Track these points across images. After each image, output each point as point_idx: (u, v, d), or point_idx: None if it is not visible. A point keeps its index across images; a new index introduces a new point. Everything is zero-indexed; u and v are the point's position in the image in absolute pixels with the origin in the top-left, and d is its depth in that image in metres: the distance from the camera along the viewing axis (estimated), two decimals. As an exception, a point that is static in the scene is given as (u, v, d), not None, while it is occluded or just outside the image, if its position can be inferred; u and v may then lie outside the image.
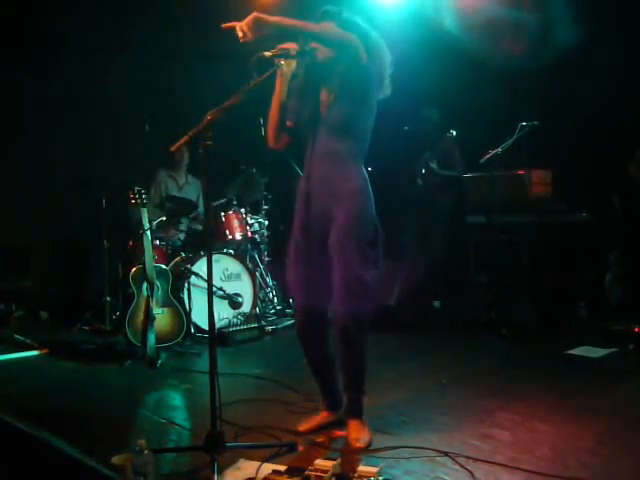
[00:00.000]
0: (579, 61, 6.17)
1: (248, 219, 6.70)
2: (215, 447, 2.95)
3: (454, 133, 6.73)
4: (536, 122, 5.92)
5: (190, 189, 6.83)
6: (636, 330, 5.29)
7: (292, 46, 3.25)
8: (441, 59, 6.81)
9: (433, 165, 6.75)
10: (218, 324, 5.84)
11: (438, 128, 6.98)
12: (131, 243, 6.21)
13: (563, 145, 6.37)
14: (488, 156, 5.92)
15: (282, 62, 3.30)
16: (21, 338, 5.69)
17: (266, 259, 7.20)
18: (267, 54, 3.21)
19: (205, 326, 5.61)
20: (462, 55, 6.70)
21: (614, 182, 5.89)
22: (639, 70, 5.86)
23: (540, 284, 5.94)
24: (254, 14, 3.01)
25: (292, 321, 6.52)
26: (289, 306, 7.00)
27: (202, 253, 5.99)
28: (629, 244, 5.83)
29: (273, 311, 6.97)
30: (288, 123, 3.49)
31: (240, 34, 3.04)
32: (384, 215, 3.44)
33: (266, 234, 7.15)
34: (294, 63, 3.35)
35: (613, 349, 5.18)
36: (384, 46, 3.36)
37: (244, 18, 3.01)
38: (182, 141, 3.04)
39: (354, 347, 3.35)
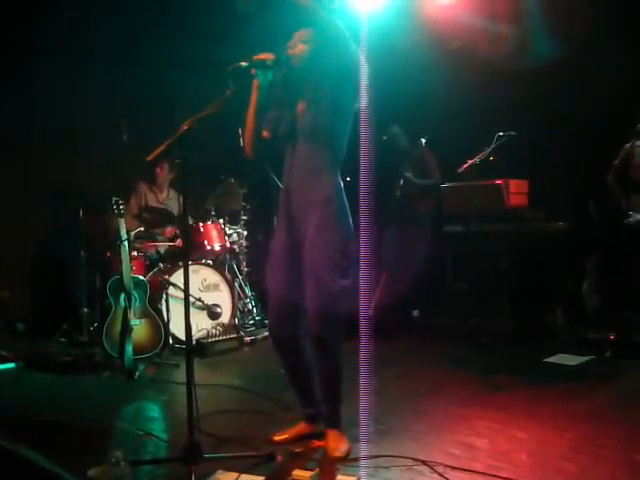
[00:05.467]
0: (556, 70, 6.23)
1: (227, 229, 6.69)
2: (193, 458, 2.94)
3: (424, 141, 6.75)
4: (513, 132, 5.96)
5: (171, 203, 6.79)
6: (612, 338, 5.34)
7: (268, 56, 3.27)
8: (420, 68, 6.84)
9: (408, 175, 6.76)
10: (196, 335, 5.82)
11: (408, 139, 6.98)
12: (109, 254, 6.17)
13: (540, 155, 6.43)
14: (466, 166, 5.95)
15: (258, 72, 3.30)
16: (-3, 350, 5.63)
17: (245, 269, 7.18)
18: (243, 64, 3.22)
19: (183, 337, 5.58)
20: (441, 64, 6.76)
21: (590, 191, 5.94)
22: (617, 79, 5.92)
23: (518, 292, 5.98)
24: None
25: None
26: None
27: (180, 264, 5.97)
28: (606, 252, 5.88)
29: (252, 321, 6.94)
30: (265, 134, 3.49)
31: None
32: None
33: (245, 244, 7.15)
34: (270, 73, 3.35)
35: (590, 356, 5.22)
36: (360, 55, 3.36)
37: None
38: (158, 150, 3.03)
39: (328, 356, 3.35)
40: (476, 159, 5.92)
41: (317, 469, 2.89)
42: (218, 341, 5.87)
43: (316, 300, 3.26)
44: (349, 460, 3.23)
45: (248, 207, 7.16)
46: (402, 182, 6.74)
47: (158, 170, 6.79)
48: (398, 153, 6.86)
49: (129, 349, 5.11)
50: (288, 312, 3.41)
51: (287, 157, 3.43)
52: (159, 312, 5.59)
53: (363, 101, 3.38)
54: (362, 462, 3.18)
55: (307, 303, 3.29)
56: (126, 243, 5.27)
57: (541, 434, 3.55)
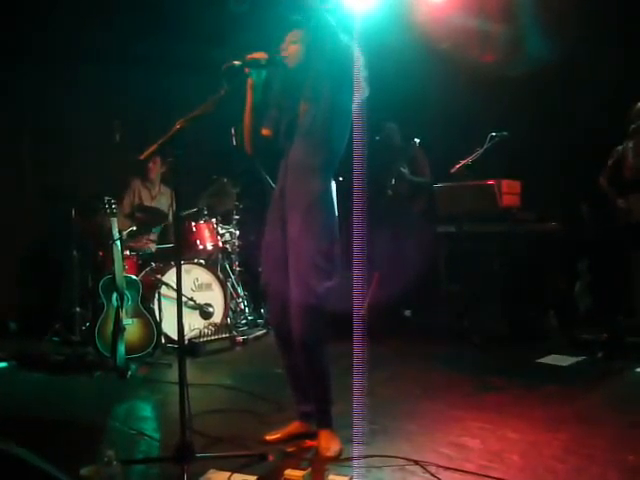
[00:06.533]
0: (549, 71, 6.24)
1: (219, 229, 6.69)
2: (185, 457, 2.94)
3: (417, 141, 6.76)
4: (505, 133, 5.97)
5: (163, 199, 6.80)
6: (604, 338, 5.36)
7: (262, 55, 3.26)
8: (412, 69, 6.84)
9: (405, 170, 6.75)
10: (189, 334, 5.81)
11: (403, 138, 7.00)
12: (101, 253, 6.16)
13: (532, 155, 6.44)
14: (458, 166, 5.96)
15: (252, 71, 3.30)
16: (-11, 349, 5.62)
17: (237, 269, 7.17)
18: (237, 63, 3.21)
19: (175, 336, 5.57)
20: (434, 64, 6.76)
21: (583, 192, 5.95)
22: (610, 79, 5.94)
23: (510, 293, 5.98)
24: None
25: (263, 331, 6.52)
26: (260, 316, 6.99)
27: (172, 263, 5.96)
28: (597, 254, 5.89)
29: (244, 321, 6.93)
30: (265, 132, 3.48)
31: None
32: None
33: (237, 244, 7.14)
34: (264, 72, 3.35)
35: (582, 357, 5.24)
36: (355, 50, 3.34)
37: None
38: (151, 149, 3.03)
39: (313, 358, 3.36)
40: (468, 159, 5.93)
41: (309, 469, 2.89)
42: (210, 341, 5.87)
43: (299, 302, 3.26)
44: (341, 460, 3.23)
45: (241, 207, 7.15)
46: (395, 178, 6.74)
47: (151, 165, 6.77)
48: (392, 151, 6.87)
49: (121, 349, 5.10)
50: (288, 309, 3.39)
51: (284, 157, 3.42)
52: (151, 312, 5.58)
53: (356, 99, 3.37)
54: (354, 462, 3.18)
55: (291, 305, 3.29)
56: (118, 242, 5.26)
57: (533, 435, 3.55)
